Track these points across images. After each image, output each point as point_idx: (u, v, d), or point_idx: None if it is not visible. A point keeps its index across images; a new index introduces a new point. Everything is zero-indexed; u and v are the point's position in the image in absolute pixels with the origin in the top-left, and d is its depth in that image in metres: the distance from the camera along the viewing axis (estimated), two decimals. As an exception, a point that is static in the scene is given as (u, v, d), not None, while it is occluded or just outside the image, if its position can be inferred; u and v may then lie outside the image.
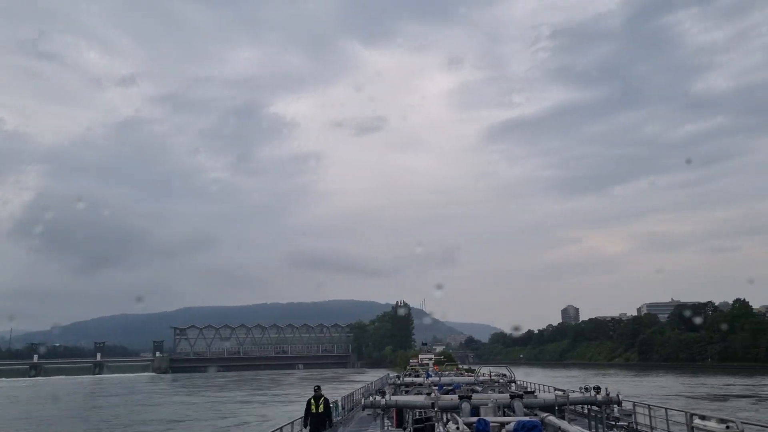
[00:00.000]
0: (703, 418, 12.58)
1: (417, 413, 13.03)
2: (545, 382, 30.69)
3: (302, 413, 14.45)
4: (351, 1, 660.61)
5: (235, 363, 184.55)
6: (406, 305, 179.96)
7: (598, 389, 12.88)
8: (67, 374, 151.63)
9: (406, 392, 16.05)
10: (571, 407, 12.47)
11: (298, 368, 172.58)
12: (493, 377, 19.77)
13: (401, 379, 20.69)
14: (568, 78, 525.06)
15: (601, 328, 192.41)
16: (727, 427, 11.05)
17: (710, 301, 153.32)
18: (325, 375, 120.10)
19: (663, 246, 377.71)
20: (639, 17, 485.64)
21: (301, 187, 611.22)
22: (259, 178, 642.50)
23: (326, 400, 14.70)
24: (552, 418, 9.88)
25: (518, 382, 20.66)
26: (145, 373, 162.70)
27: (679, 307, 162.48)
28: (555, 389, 16.21)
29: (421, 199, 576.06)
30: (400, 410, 14.81)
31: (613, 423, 15.01)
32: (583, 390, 13.05)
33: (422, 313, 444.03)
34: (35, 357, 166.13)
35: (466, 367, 63.25)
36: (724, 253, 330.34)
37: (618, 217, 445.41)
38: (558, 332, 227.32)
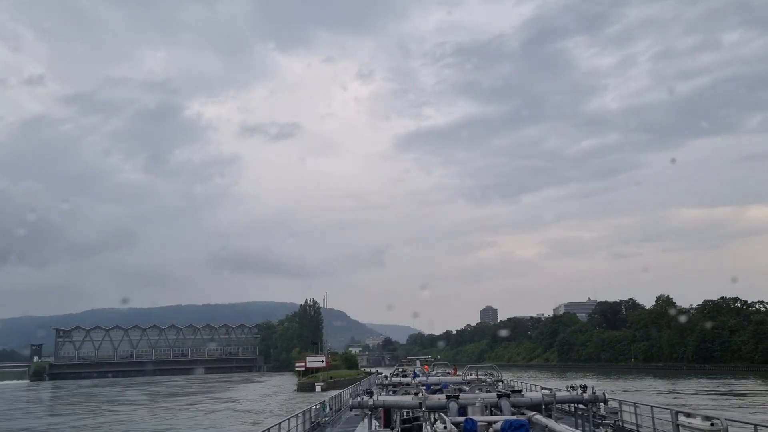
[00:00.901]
0: (688, 415, 15.94)
1: (404, 413, 15.04)
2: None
3: None
4: (266, 5, 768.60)
5: (125, 369, 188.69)
6: (315, 304, 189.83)
7: (584, 388, 15.09)
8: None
9: (394, 392, 18.49)
10: (558, 406, 14.30)
11: (198, 373, 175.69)
12: (480, 377, 23.33)
13: (389, 379, 24.03)
14: (474, 93, 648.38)
15: (519, 327, 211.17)
16: (712, 425, 14.17)
17: (631, 299, 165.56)
18: (211, 383, 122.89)
19: (573, 251, 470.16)
20: (534, 41, 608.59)
21: (219, 190, 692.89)
22: (175, 180, 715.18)
23: None
24: (539, 417, 11.86)
25: (505, 382, 24.32)
26: (22, 381, 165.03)
27: (600, 305, 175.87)
28: (542, 388, 18.38)
29: (338, 204, 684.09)
30: (388, 410, 16.48)
31: (600, 421, 18.52)
32: (569, 389, 15.45)
33: (342, 315, 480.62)
34: None
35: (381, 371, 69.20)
36: (630, 258, 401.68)
37: (528, 223, 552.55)
38: (477, 332, 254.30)
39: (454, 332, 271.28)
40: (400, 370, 29.17)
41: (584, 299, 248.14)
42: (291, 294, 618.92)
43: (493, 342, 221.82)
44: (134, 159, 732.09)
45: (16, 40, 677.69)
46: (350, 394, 27.59)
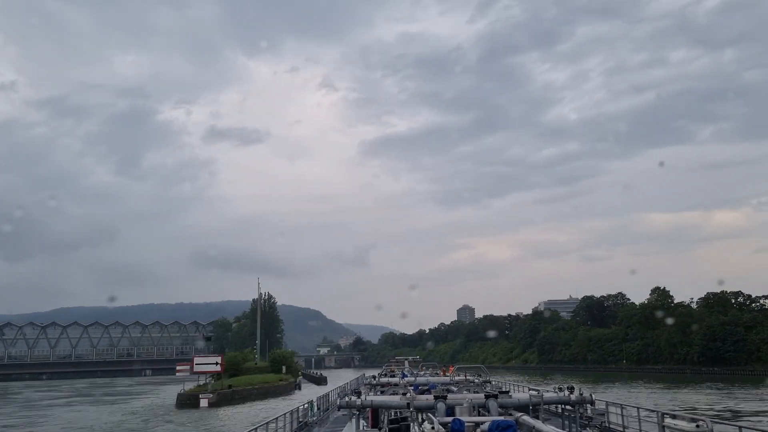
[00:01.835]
0: (674, 417, 18.06)
1: (392, 413, 16.30)
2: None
3: None
4: (235, 11, 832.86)
5: (63, 370, 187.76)
6: (270, 299, 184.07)
7: (571, 389, 16.57)
8: None
9: (382, 392, 19.87)
10: (546, 407, 15.73)
11: (145, 374, 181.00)
12: (468, 377, 25.40)
13: (377, 379, 25.85)
14: (436, 103, 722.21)
15: (496, 326, 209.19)
16: (697, 426, 16.06)
17: (620, 293, 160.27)
18: (144, 385, 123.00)
19: (547, 253, 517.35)
20: (489, 56, 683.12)
21: (194, 192, 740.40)
22: (148, 182, 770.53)
23: None
24: (526, 418, 13.07)
25: (493, 383, 26.40)
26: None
27: (585, 300, 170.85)
28: (529, 389, 19.93)
29: (312, 206, 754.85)
30: (376, 410, 18.06)
31: (587, 422, 20.57)
32: (557, 390, 16.89)
33: (318, 315, 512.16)
34: None
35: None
36: (601, 261, 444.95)
37: (499, 226, 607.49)
38: (451, 331, 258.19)
39: (427, 331, 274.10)
40: (389, 370, 31.10)
41: (565, 297, 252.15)
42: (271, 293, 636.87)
43: (467, 341, 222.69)
44: (106, 162, 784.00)
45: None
46: (338, 393, 29.46)
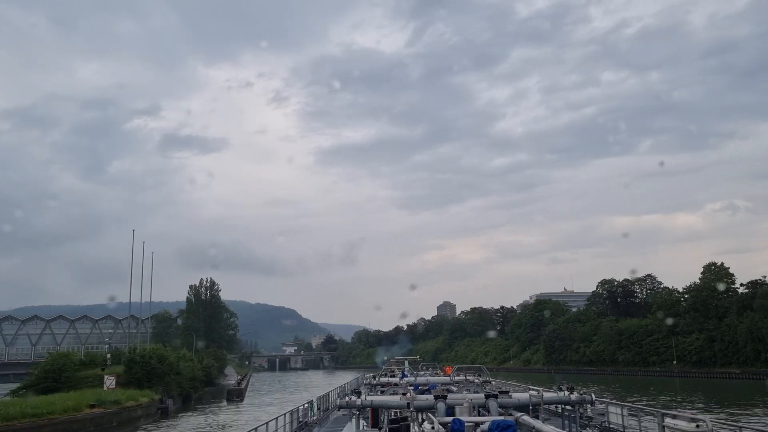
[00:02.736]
0: (674, 417, 18.07)
1: (392, 413, 16.37)
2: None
3: None
4: (195, 22, 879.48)
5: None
6: (213, 285, 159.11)
7: (571, 389, 16.68)
8: None
9: (382, 392, 19.65)
10: (546, 407, 15.81)
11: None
12: (468, 377, 25.42)
13: (377, 379, 25.89)
14: (387, 116, 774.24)
15: (486, 319, 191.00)
16: (697, 426, 16.05)
17: (649, 275, 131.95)
18: None
19: (514, 255, 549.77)
20: (431, 75, 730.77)
21: (163, 197, 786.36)
22: (116, 188, 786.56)
23: None
24: (526, 418, 13.22)
25: (493, 383, 26.42)
26: None
27: (604, 285, 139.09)
28: (529, 389, 19.79)
29: (275, 211, 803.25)
30: (376, 410, 18.32)
31: (587, 422, 20.55)
32: (557, 389, 17.06)
33: (293, 313, 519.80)
34: None
35: None
36: (566, 263, 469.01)
37: (464, 230, 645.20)
38: (433, 327, 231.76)
39: (405, 328, 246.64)
40: (389, 370, 31.19)
41: (558, 289, 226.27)
42: (238, 292, 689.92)
43: (451, 338, 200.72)
44: (73, 169, 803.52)
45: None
46: (338, 393, 29.56)
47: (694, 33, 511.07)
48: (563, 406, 18.04)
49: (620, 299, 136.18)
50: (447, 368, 38.49)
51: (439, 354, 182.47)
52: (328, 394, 31.36)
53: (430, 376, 29.21)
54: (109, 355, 75.10)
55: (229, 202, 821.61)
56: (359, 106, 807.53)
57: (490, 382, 23.81)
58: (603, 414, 20.24)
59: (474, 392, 16.41)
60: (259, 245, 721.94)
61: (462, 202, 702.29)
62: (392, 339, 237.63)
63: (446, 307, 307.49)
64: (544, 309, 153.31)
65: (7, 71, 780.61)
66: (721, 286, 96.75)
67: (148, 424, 51.09)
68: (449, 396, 15.30)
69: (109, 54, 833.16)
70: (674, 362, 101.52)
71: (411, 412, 14.72)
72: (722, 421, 17.89)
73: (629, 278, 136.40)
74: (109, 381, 56.27)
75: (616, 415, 20.68)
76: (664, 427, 16.08)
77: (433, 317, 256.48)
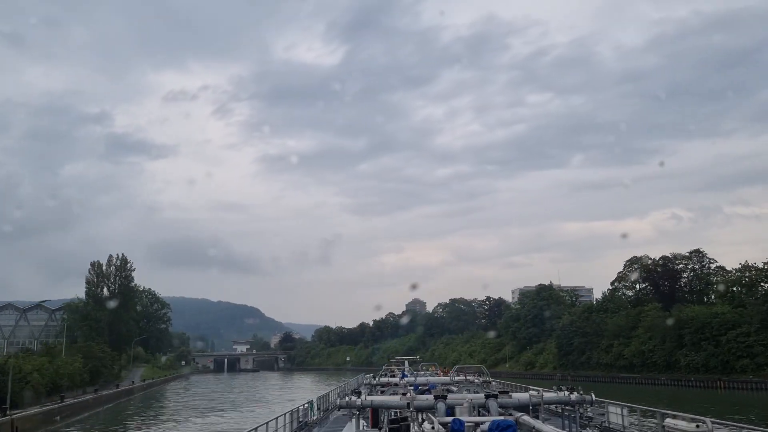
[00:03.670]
0: (674, 417, 18.13)
1: (392, 413, 16.36)
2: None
3: None
4: (142, 29, 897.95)
5: None
6: (124, 265, 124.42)
7: (572, 389, 16.77)
8: None
9: (382, 392, 20.07)
10: (546, 407, 15.94)
11: None
12: (468, 377, 25.48)
13: (377, 379, 25.95)
14: (329, 128, 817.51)
15: (468, 313, 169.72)
16: (697, 426, 16.30)
17: (697, 249, 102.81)
18: None
19: (470, 259, 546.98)
20: (366, 93, 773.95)
21: (119, 200, 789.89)
22: (67, 191, 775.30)
23: None
24: (526, 418, 13.25)
25: (493, 383, 26.45)
26: None
27: (633, 263, 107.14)
28: (529, 389, 20.02)
29: (226, 215, 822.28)
30: (376, 410, 18.31)
31: (587, 422, 20.54)
32: (557, 390, 17.07)
33: (256, 312, 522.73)
34: None
35: None
36: (521, 267, 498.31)
37: (415, 235, 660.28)
38: (403, 324, 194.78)
39: (371, 324, 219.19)
40: (389, 370, 31.28)
41: (537, 283, 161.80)
42: (202, 290, 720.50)
43: (426, 336, 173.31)
44: (25, 173, 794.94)
45: None
46: (338, 393, 29.66)
47: (604, 62, 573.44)
48: (563, 406, 18.03)
49: (664, 282, 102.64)
50: (446, 368, 38.72)
51: (413, 353, 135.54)
52: (328, 394, 31.43)
53: (430, 376, 29.31)
54: None
55: (181, 205, 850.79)
56: (300, 118, 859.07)
57: (490, 383, 23.85)
58: (603, 414, 20.22)
59: (474, 392, 16.38)
60: (216, 245, 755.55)
61: (410, 209, 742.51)
62: (357, 336, 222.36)
63: (416, 304, 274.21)
64: (546, 297, 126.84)
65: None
66: None
67: None
68: (449, 396, 15.31)
69: (57, 58, 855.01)
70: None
71: (411, 412, 14.71)
72: (723, 422, 17.74)
73: (669, 255, 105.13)
74: None
75: (616, 415, 20.66)
76: (664, 427, 16.05)
77: (403, 311, 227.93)
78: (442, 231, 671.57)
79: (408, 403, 14.75)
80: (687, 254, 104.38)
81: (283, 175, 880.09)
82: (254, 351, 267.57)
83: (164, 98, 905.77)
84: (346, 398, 15.92)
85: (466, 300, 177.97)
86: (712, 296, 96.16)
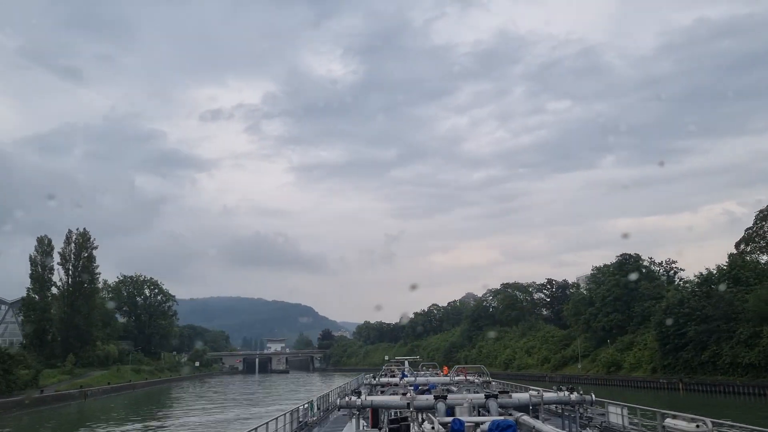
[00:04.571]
0: (674, 417, 18.08)
1: (392, 413, 16.42)
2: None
3: None
4: (187, 49, 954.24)
5: None
6: (84, 242, 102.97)
7: (571, 389, 16.75)
8: None
9: (382, 392, 19.97)
10: (546, 407, 15.95)
11: None
12: (468, 377, 25.48)
13: (377, 379, 25.96)
14: (359, 140, 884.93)
15: (525, 300, 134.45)
16: (697, 426, 16.29)
17: None
18: None
19: (520, 257, 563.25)
20: (390, 107, 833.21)
21: (177, 205, 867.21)
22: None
23: None
24: (526, 418, 13.25)
25: (493, 383, 26.42)
26: None
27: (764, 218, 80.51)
28: (529, 389, 19.95)
29: (270, 221, 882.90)
30: (376, 410, 18.29)
31: (587, 422, 20.51)
32: (557, 390, 17.01)
33: (310, 311, 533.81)
34: None
35: None
36: (573, 266, 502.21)
37: (463, 234, 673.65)
38: (450, 317, 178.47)
39: (412, 315, 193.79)
40: (389, 370, 31.31)
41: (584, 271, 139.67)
42: (254, 290, 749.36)
43: (472, 329, 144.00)
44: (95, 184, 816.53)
45: None
46: (338, 393, 29.68)
47: (614, 69, 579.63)
48: (563, 406, 18.01)
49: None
50: (445, 368, 38.77)
51: (454, 353, 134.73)
52: (328, 394, 31.46)
53: (430, 376, 29.31)
54: None
55: (230, 211, 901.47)
56: (332, 131, 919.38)
57: (490, 383, 23.84)
58: (603, 414, 20.19)
59: (474, 392, 16.37)
60: (268, 247, 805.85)
61: (449, 212, 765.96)
62: (397, 333, 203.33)
63: (470, 299, 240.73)
64: (633, 268, 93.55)
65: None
66: None
67: None
68: (449, 396, 15.29)
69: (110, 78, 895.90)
70: None
71: (411, 412, 14.72)
72: (723, 422, 17.70)
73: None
74: None
75: (616, 415, 20.63)
76: (664, 427, 16.06)
77: (449, 303, 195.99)
78: (485, 231, 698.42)
79: (408, 403, 14.74)
80: None
81: (319, 183, 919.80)
82: (287, 350, 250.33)
83: (201, 117, 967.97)
84: (346, 398, 15.91)
85: (521, 285, 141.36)
86: None
